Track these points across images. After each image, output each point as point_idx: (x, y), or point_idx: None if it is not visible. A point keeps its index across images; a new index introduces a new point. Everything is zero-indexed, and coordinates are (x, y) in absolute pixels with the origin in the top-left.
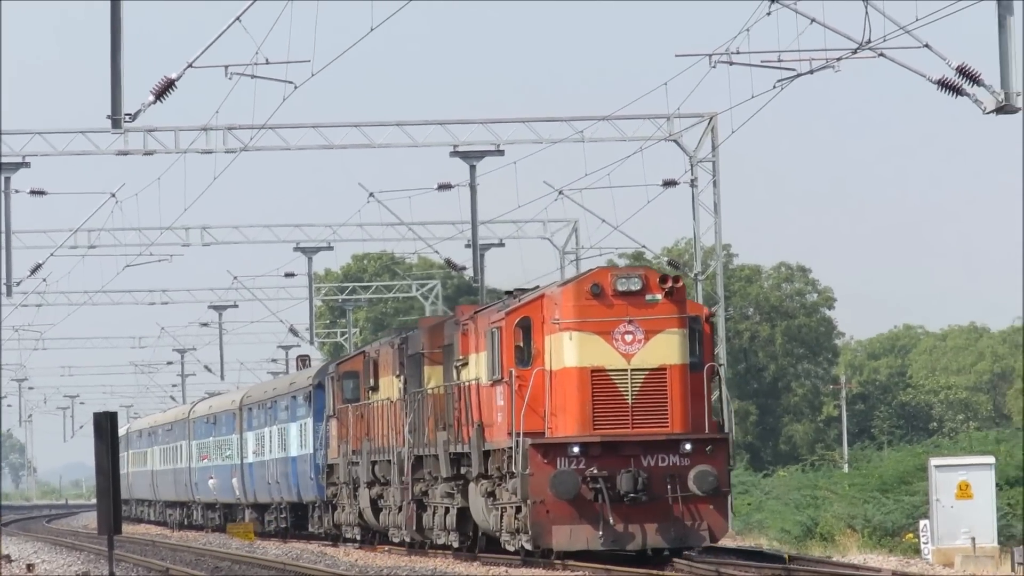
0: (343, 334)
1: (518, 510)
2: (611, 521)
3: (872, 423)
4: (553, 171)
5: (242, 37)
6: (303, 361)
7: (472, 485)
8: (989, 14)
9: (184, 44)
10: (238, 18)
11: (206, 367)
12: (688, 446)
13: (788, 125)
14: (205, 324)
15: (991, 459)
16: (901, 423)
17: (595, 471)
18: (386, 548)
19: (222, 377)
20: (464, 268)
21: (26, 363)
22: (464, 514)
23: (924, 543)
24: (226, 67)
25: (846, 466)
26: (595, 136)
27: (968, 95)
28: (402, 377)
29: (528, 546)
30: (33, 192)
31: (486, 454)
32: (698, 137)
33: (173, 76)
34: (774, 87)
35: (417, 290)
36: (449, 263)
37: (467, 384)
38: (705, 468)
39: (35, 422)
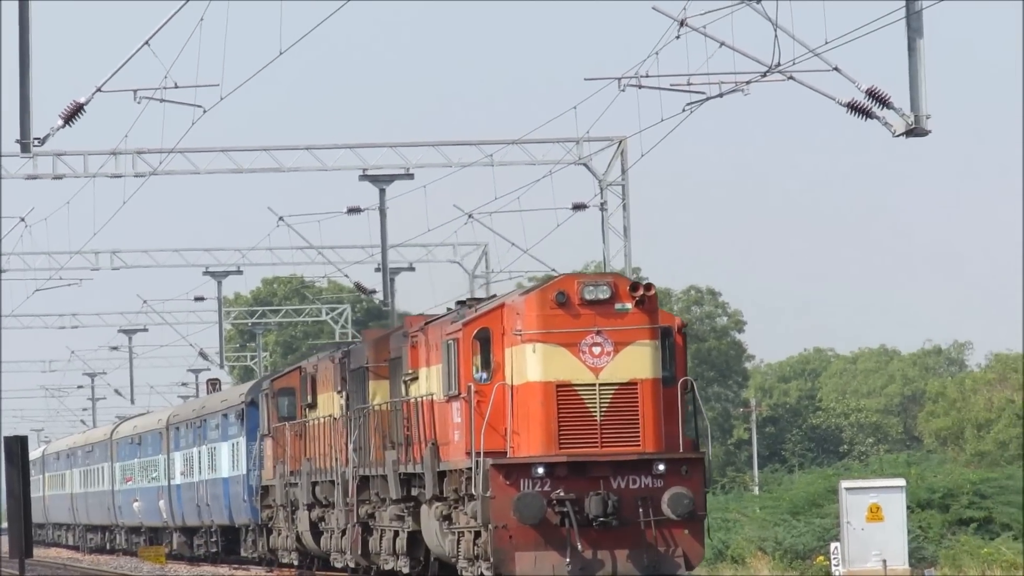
0: (253, 358)
1: (477, 535)
2: (579, 547)
3: (783, 446)
4: (463, 195)
5: (151, 61)
6: (213, 385)
7: (425, 508)
8: (898, 37)
9: (93, 68)
10: (147, 42)
11: (116, 391)
12: (661, 467)
13: (699, 148)
14: (115, 348)
15: (902, 482)
16: (812, 446)
17: (561, 494)
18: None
19: (132, 401)
20: (374, 292)
21: None
22: (415, 538)
23: (835, 566)
24: (135, 91)
25: (757, 489)
26: (505, 160)
27: (878, 118)
28: (344, 393)
29: (488, 574)
30: None
31: (441, 475)
32: (608, 161)
33: (82, 100)
34: (684, 110)
35: (327, 314)
36: (359, 287)
37: (418, 400)
38: (680, 491)
39: None
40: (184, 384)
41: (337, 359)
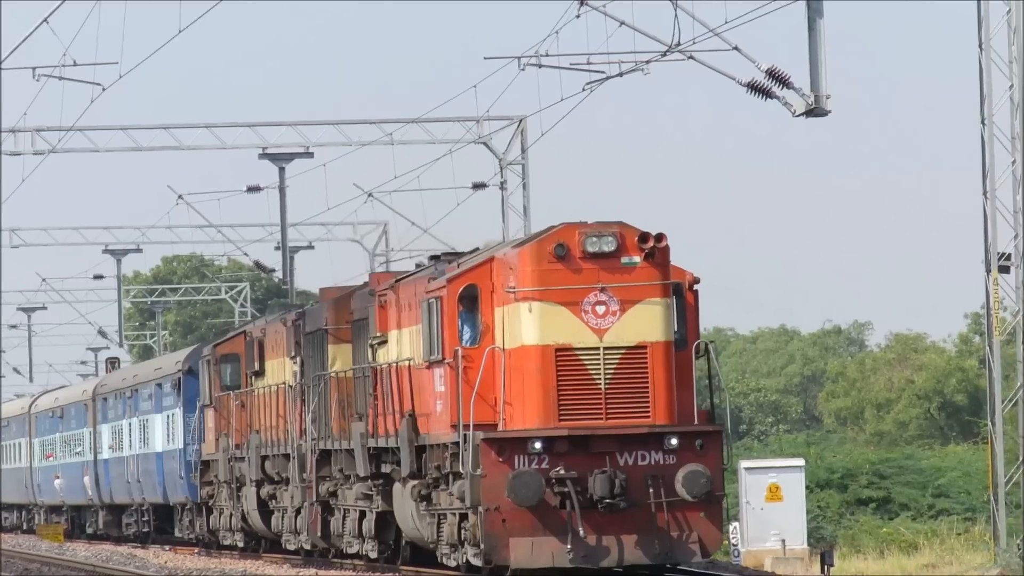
0: (152, 336)
1: (464, 518)
2: (581, 533)
3: None
4: (363, 173)
5: (50, 39)
6: (112, 363)
7: (399, 486)
8: (799, 17)
9: None
10: (46, 19)
11: (15, 369)
12: (674, 441)
13: (599, 127)
14: (14, 326)
15: (801, 462)
16: None
17: (562, 472)
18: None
19: (31, 379)
20: (273, 270)
21: None
22: (385, 519)
23: (734, 545)
24: (34, 68)
25: None
26: (405, 138)
27: (778, 98)
28: (298, 359)
29: (477, 561)
30: None
31: (419, 449)
32: (507, 140)
33: None
34: (584, 89)
35: (226, 292)
36: (258, 265)
37: (391, 366)
38: (696, 468)
39: None
40: (83, 363)
41: (290, 321)
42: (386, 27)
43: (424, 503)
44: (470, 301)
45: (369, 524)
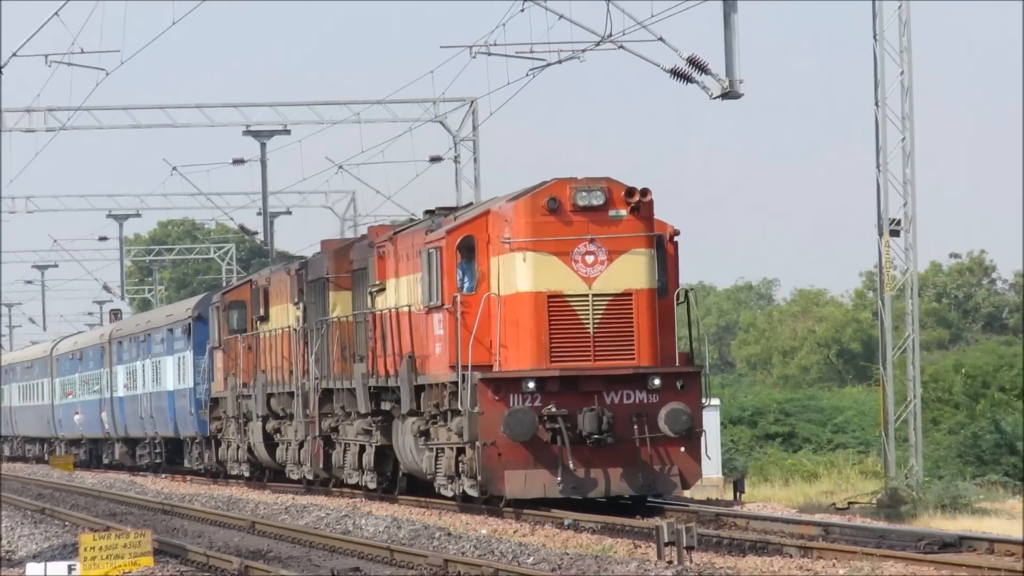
0: (150, 291)
1: (460, 452)
2: (571, 466)
3: None
4: (334, 148)
5: (59, 29)
6: (115, 314)
7: (398, 422)
8: (716, 11)
9: (7, 36)
10: (56, 13)
11: (30, 319)
12: (657, 381)
13: (543, 108)
14: (29, 282)
15: (716, 401)
16: None
17: (553, 409)
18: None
19: (44, 328)
20: (256, 233)
21: None
22: (383, 453)
23: None
24: (46, 56)
25: None
26: (370, 117)
27: (697, 82)
28: (301, 305)
29: (473, 492)
30: None
31: (418, 389)
32: (460, 119)
33: None
34: (527, 75)
35: (215, 252)
36: (243, 228)
37: (392, 311)
38: (678, 406)
39: None
40: (90, 314)
41: (293, 271)
42: (355, 22)
43: (422, 438)
44: (467, 251)
45: (369, 457)
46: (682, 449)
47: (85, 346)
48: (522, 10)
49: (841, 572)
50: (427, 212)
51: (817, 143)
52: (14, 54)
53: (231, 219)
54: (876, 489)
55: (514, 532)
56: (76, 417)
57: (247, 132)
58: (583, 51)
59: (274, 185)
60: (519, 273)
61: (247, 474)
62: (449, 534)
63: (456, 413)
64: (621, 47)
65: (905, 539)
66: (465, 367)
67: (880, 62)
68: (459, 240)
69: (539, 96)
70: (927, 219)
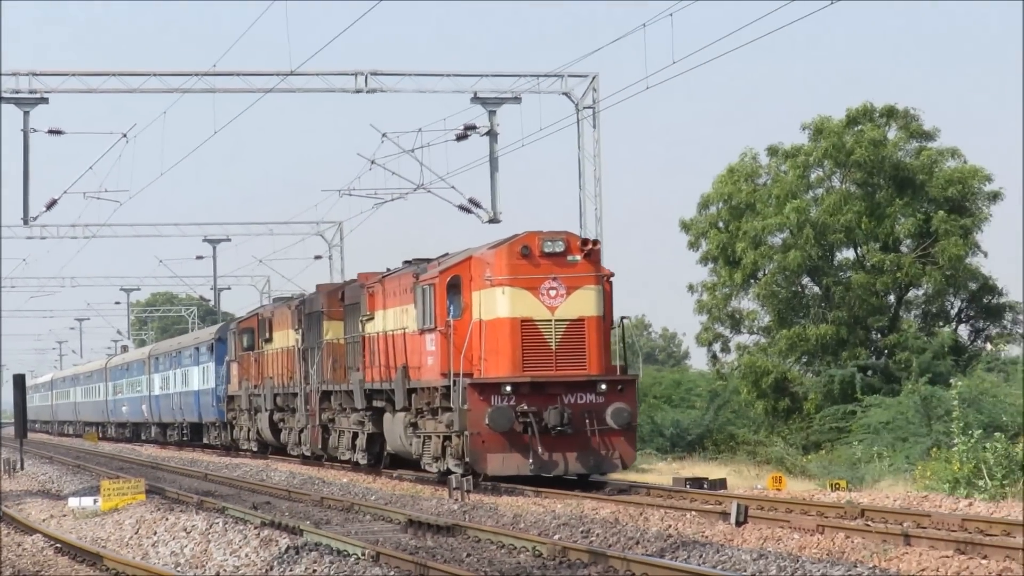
0: (145, 335)
1: (447, 439)
2: (540, 451)
3: None
4: (257, 248)
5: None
6: (124, 348)
7: (389, 415)
8: (485, 169)
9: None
10: (91, 167)
11: (72, 351)
12: (603, 386)
13: (382, 228)
14: (72, 328)
15: None
16: None
17: (525, 407)
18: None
19: (81, 355)
20: (210, 300)
21: None
22: (373, 438)
23: None
24: (84, 193)
25: None
26: (279, 232)
27: (475, 213)
28: (300, 330)
29: (457, 469)
30: None
31: (410, 391)
32: (332, 234)
33: None
34: (372, 207)
35: (185, 312)
36: (202, 298)
37: (379, 334)
38: (621, 405)
39: None
40: (108, 348)
41: (294, 306)
42: (274, 180)
43: (411, 428)
44: (453, 287)
45: (362, 440)
46: (622, 438)
47: (131, 360)
48: (370, 169)
49: (558, 507)
50: (405, 262)
51: None
52: (65, 192)
53: (195, 292)
54: None
55: (364, 481)
56: (124, 408)
57: (206, 240)
58: (407, 193)
59: (221, 271)
60: (499, 303)
61: (255, 449)
62: (324, 482)
63: (446, 410)
64: (429, 192)
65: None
66: (457, 374)
67: (582, 165)
68: (449, 279)
69: (381, 220)
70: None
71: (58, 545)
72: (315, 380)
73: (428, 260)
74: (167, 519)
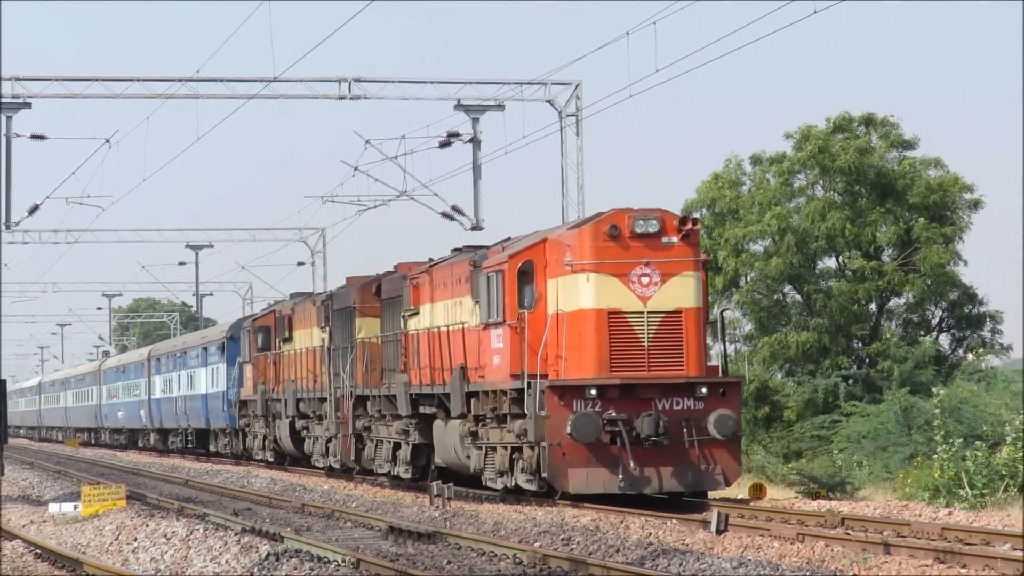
0: (127, 339)
1: (515, 451)
2: (631, 465)
3: None
4: (240, 254)
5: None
6: (106, 353)
7: (440, 423)
8: (468, 176)
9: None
10: (74, 172)
11: (54, 356)
12: (704, 389)
13: (363, 235)
14: (54, 333)
15: None
16: None
17: (613, 414)
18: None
19: (63, 361)
20: (192, 306)
21: None
22: (418, 449)
23: None
24: (66, 199)
25: None
26: (262, 239)
27: (458, 220)
28: (327, 328)
29: (528, 486)
30: None
31: (469, 395)
32: (315, 241)
33: None
34: (356, 214)
35: (167, 317)
36: (184, 304)
37: (428, 330)
38: (725, 412)
39: None
40: (90, 353)
41: (320, 301)
42: (254, 190)
43: (471, 438)
44: (526, 275)
45: (405, 452)
46: (724, 451)
47: (127, 362)
48: (353, 175)
49: (539, 514)
50: (454, 249)
51: None
52: (48, 197)
53: (177, 298)
54: None
55: (345, 488)
56: (119, 413)
57: (188, 246)
58: (390, 199)
59: (203, 277)
60: (583, 292)
61: (271, 459)
62: (306, 489)
63: (516, 416)
64: (413, 199)
65: None
66: (532, 375)
67: (565, 173)
68: (520, 264)
69: (362, 228)
70: None
71: (38, 551)
72: (347, 384)
73: (482, 247)
74: (148, 525)
